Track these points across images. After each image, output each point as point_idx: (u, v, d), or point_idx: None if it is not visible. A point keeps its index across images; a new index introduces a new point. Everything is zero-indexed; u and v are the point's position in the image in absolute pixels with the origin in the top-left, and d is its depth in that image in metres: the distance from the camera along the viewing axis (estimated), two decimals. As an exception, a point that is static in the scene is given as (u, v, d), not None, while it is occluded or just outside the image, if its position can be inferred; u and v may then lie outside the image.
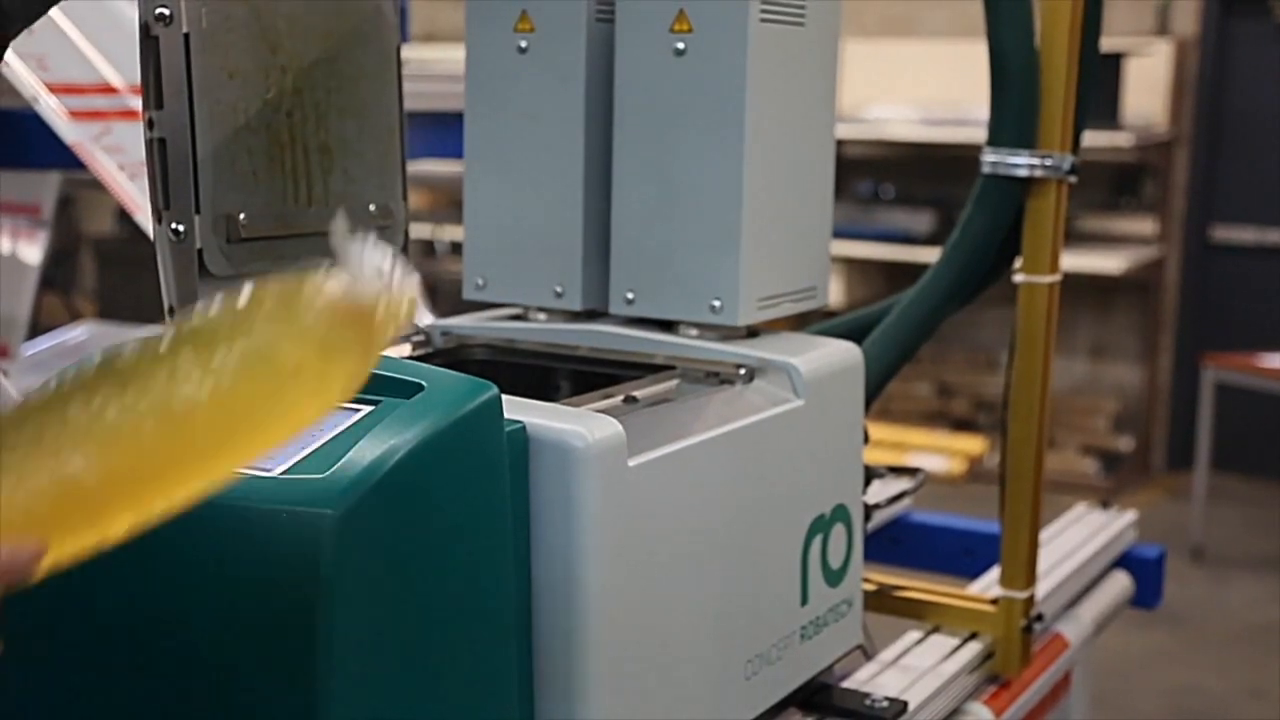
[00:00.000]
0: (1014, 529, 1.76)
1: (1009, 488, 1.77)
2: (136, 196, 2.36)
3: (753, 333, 1.55)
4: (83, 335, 3.54)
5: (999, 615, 1.77)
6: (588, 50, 1.53)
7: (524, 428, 1.17)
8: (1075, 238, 6.27)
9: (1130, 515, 2.33)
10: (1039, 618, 1.80)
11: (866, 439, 1.63)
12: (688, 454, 1.29)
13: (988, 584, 1.91)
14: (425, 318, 1.98)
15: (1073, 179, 1.72)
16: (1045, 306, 1.72)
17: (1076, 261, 5.66)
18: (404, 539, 1.02)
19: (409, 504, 1.02)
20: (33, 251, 3.63)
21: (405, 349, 1.55)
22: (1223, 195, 6.64)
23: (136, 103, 2.26)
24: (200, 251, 1.38)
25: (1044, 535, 1.93)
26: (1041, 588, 1.82)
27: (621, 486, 1.20)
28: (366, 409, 1.07)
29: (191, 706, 1.02)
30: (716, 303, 1.50)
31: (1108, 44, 1.87)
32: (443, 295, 6.59)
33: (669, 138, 1.50)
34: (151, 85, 1.36)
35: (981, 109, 1.76)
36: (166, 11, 1.33)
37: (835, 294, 6.21)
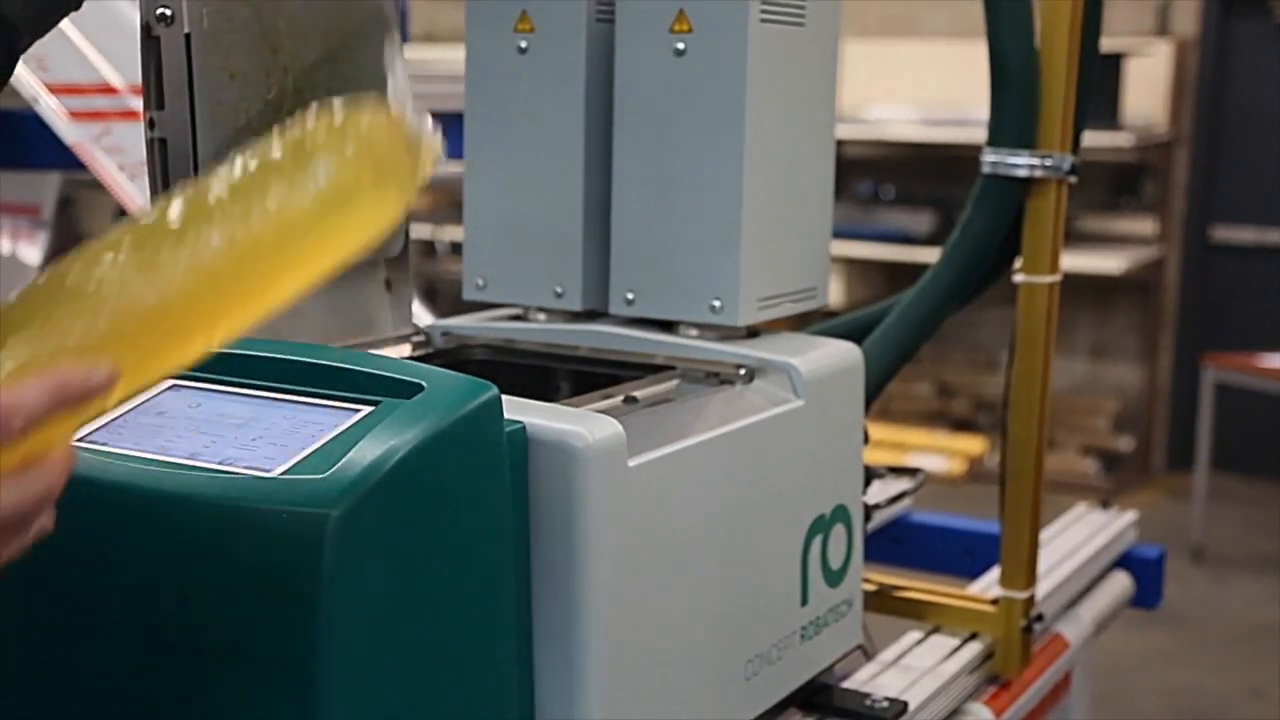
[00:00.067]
0: (1014, 529, 1.76)
1: (1009, 488, 1.77)
2: (136, 196, 2.36)
3: (753, 333, 1.55)
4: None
5: (999, 615, 1.77)
6: (588, 50, 1.53)
7: (524, 428, 1.17)
8: (1075, 238, 6.26)
9: (1130, 515, 2.33)
10: (1039, 618, 1.80)
11: (866, 439, 1.63)
12: (688, 454, 1.29)
13: (988, 584, 1.91)
14: (425, 318, 1.98)
15: (1073, 179, 1.72)
16: (1045, 307, 1.72)
17: (1076, 261, 5.65)
18: (404, 539, 1.02)
19: (409, 504, 1.02)
20: (33, 252, 3.64)
21: (405, 349, 1.55)
22: (1223, 195, 6.64)
23: (137, 103, 2.26)
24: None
25: (1044, 535, 1.93)
26: (1042, 588, 1.82)
27: (621, 487, 1.20)
28: (367, 409, 1.07)
29: (192, 706, 1.02)
30: (716, 303, 1.50)
31: (1108, 44, 1.87)
32: (443, 295, 6.59)
33: (669, 138, 1.50)
34: (152, 85, 1.36)
35: (981, 109, 1.76)
36: (168, 12, 1.33)
37: (835, 294, 6.20)
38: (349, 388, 1.10)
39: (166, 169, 1.36)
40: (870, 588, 1.76)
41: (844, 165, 5.69)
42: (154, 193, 1.37)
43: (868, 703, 1.54)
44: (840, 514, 1.54)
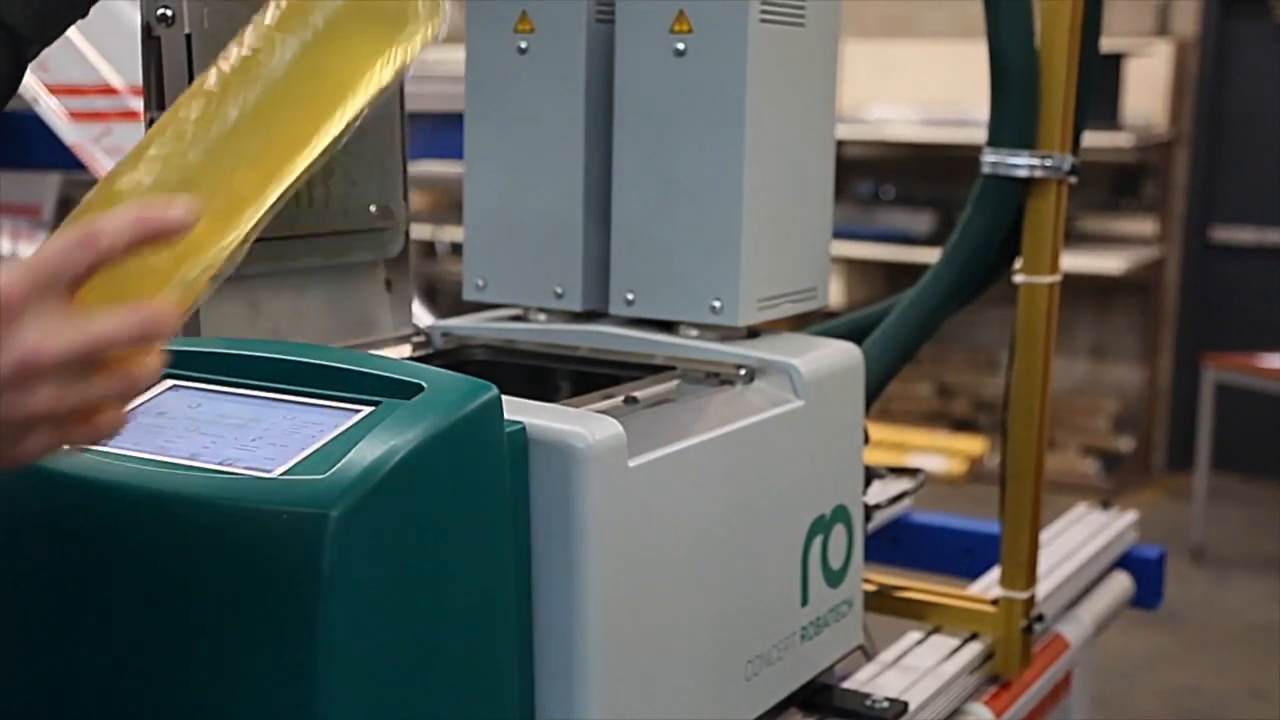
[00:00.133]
0: (1014, 529, 1.76)
1: (1009, 488, 1.77)
2: (137, 197, 2.35)
3: (753, 333, 1.55)
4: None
5: (999, 616, 1.77)
6: (588, 50, 1.53)
7: (524, 428, 1.17)
8: (1075, 238, 6.26)
9: (1130, 516, 2.33)
10: (1039, 618, 1.80)
11: (867, 439, 1.63)
12: (688, 455, 1.29)
13: (988, 584, 1.91)
14: (425, 318, 1.98)
15: (1073, 179, 1.72)
16: (1045, 307, 1.72)
17: (1076, 262, 5.65)
18: (404, 539, 1.02)
19: (409, 505, 1.02)
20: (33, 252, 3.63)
21: (405, 349, 1.55)
22: (1223, 195, 6.63)
23: (137, 103, 2.26)
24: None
25: (1044, 536, 1.93)
26: (1042, 588, 1.82)
27: (622, 487, 1.20)
28: (367, 410, 1.07)
29: (192, 706, 1.02)
30: (717, 303, 1.50)
31: (1108, 44, 1.87)
32: (443, 296, 6.59)
33: (669, 138, 1.50)
34: (153, 86, 1.36)
35: (981, 109, 1.76)
36: (168, 12, 1.33)
37: (835, 294, 6.20)
38: (349, 388, 1.10)
39: (166, 169, 1.36)
40: (870, 588, 1.76)
41: (844, 165, 5.69)
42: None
43: (868, 703, 1.54)
44: (840, 514, 1.54)
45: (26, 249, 3.66)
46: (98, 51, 2.54)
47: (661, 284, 1.53)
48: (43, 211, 3.68)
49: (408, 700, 1.03)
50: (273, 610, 0.98)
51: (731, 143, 1.47)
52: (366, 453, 1.01)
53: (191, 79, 1.33)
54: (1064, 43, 1.67)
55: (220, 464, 1.03)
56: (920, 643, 1.76)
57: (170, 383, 1.14)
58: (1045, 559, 1.90)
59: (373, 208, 1.58)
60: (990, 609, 1.78)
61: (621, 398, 1.35)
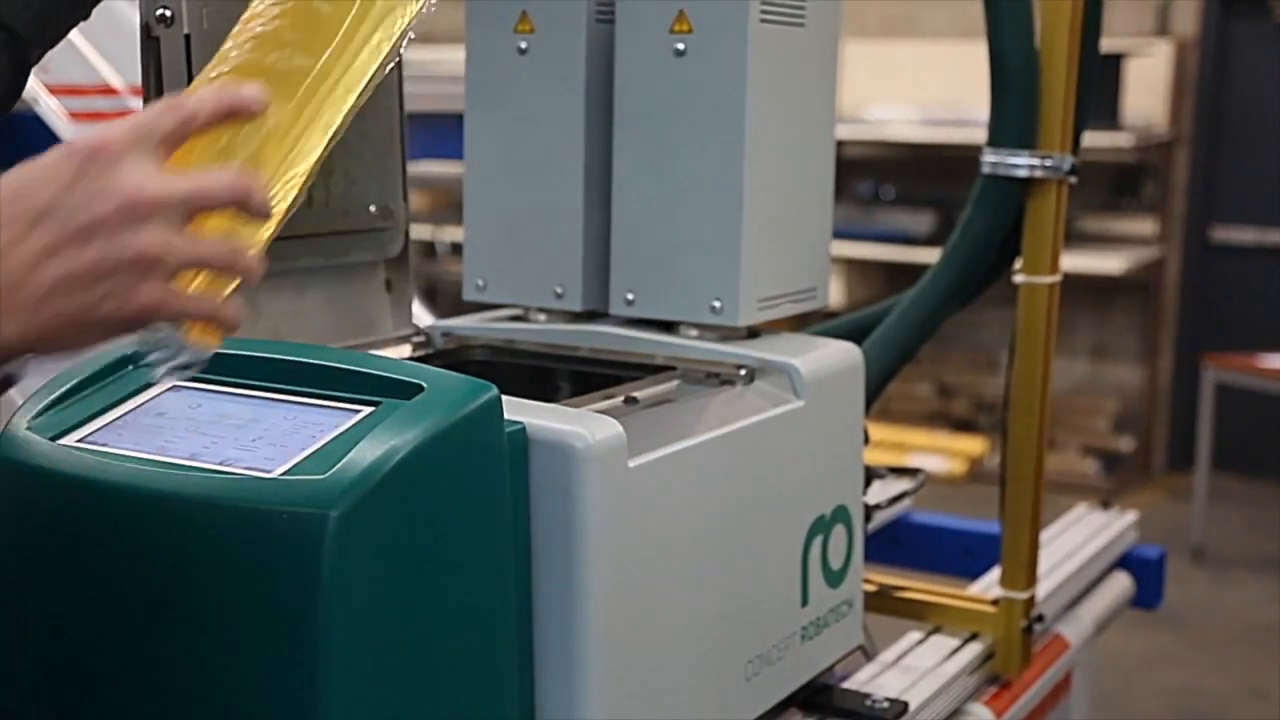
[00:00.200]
0: (1014, 529, 1.76)
1: (1009, 488, 1.77)
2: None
3: (753, 333, 1.55)
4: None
5: (999, 616, 1.77)
6: (588, 50, 1.53)
7: (524, 429, 1.17)
8: (1075, 238, 6.26)
9: (1131, 516, 2.33)
10: (1039, 618, 1.80)
11: (867, 439, 1.63)
12: (688, 455, 1.29)
13: (988, 584, 1.91)
14: (425, 319, 1.98)
15: (1073, 179, 1.72)
16: (1045, 307, 1.72)
17: (1077, 262, 5.65)
18: (404, 540, 1.02)
19: (409, 505, 1.02)
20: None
21: (405, 349, 1.55)
22: (1223, 195, 6.63)
23: (136, 104, 2.26)
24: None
25: (1044, 536, 1.93)
26: (1042, 588, 1.82)
27: (622, 487, 1.20)
28: (367, 410, 1.07)
29: (192, 706, 1.02)
30: (717, 303, 1.50)
31: (1108, 44, 1.87)
32: (443, 296, 6.59)
33: (669, 138, 1.50)
34: (152, 86, 1.36)
35: (981, 109, 1.76)
36: (168, 13, 1.33)
37: (835, 295, 6.19)
38: (349, 388, 1.10)
39: (166, 169, 1.36)
40: (871, 588, 1.76)
41: (844, 165, 5.69)
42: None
43: (868, 703, 1.54)
44: (840, 514, 1.54)
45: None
46: (98, 52, 2.54)
47: (661, 284, 1.53)
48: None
49: (408, 700, 1.03)
50: (273, 610, 0.98)
51: (731, 143, 1.47)
52: (366, 453, 1.01)
53: (191, 79, 1.33)
54: (1064, 43, 1.67)
55: (220, 464, 1.03)
56: (920, 643, 1.76)
57: (170, 382, 1.14)
58: (1045, 559, 1.90)
59: (372, 208, 1.58)
60: (990, 609, 1.78)
61: (621, 398, 1.35)
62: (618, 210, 1.54)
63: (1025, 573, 1.77)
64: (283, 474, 1.01)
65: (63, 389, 1.13)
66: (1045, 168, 1.70)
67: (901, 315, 1.83)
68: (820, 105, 1.61)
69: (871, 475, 1.75)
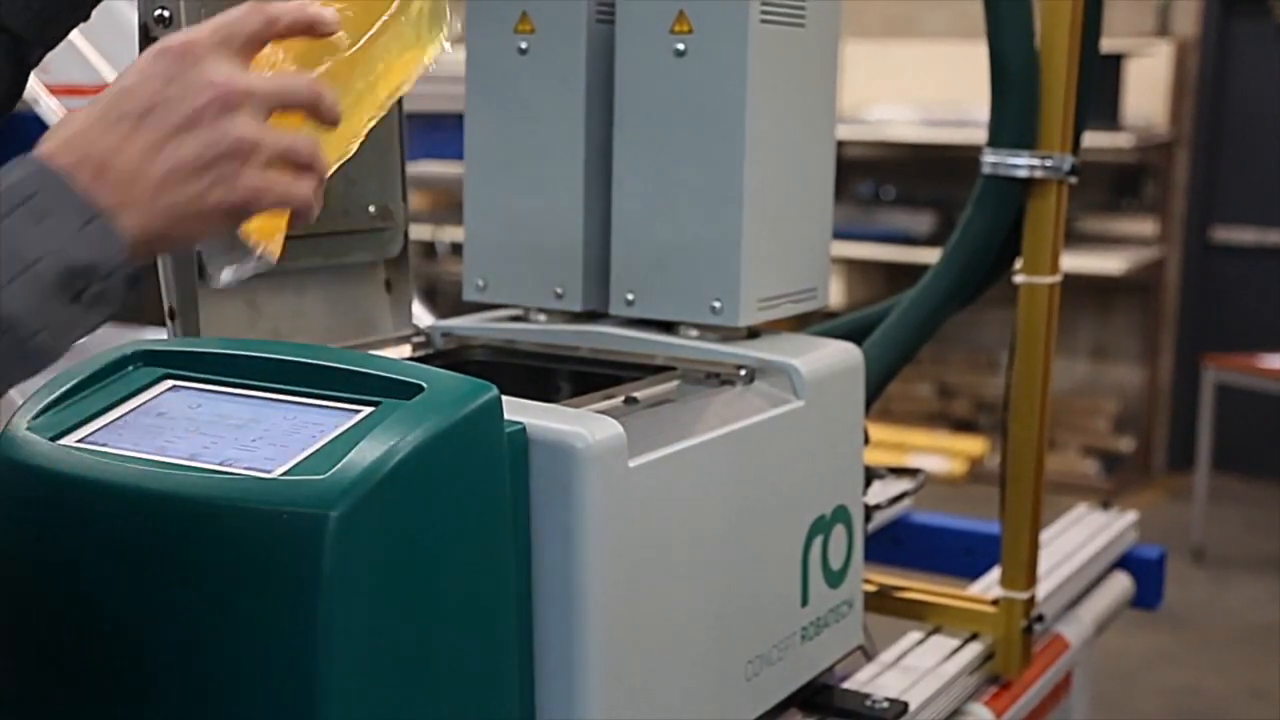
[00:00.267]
0: (1015, 530, 1.76)
1: (1009, 488, 1.77)
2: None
3: (753, 333, 1.55)
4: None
5: (999, 616, 1.77)
6: (588, 51, 1.53)
7: (524, 429, 1.17)
8: (1076, 238, 6.26)
9: (1131, 516, 2.33)
10: (1039, 618, 1.80)
11: (867, 440, 1.63)
12: (688, 455, 1.29)
13: (988, 585, 1.91)
14: (426, 319, 1.98)
15: (1073, 180, 1.72)
16: (1046, 307, 1.72)
17: (1077, 262, 5.65)
18: (404, 540, 1.02)
19: (409, 505, 1.02)
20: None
21: (405, 350, 1.55)
22: (1223, 196, 6.64)
23: (137, 104, 2.25)
24: (200, 254, 1.38)
25: (1044, 536, 1.93)
26: (1042, 588, 1.82)
27: (622, 487, 1.20)
28: (367, 410, 1.07)
29: (192, 706, 1.02)
30: (717, 303, 1.50)
31: (1108, 44, 1.87)
32: (443, 296, 6.59)
33: (669, 138, 1.50)
34: (152, 86, 1.36)
35: (982, 110, 1.76)
36: (166, 13, 1.33)
37: (835, 295, 6.20)
38: (349, 388, 1.10)
39: (166, 169, 1.36)
40: (871, 588, 1.76)
41: (844, 165, 5.68)
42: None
43: (868, 703, 1.54)
44: (841, 514, 1.54)
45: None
46: (98, 52, 2.54)
47: (661, 284, 1.53)
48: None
49: (408, 700, 1.03)
50: (273, 610, 0.98)
51: (731, 143, 1.47)
52: (367, 453, 1.01)
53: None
54: (1064, 43, 1.67)
55: (220, 464, 1.03)
56: (920, 643, 1.76)
57: (170, 383, 1.15)
58: (1045, 559, 1.90)
59: (372, 208, 1.58)
60: (990, 609, 1.78)
61: (622, 398, 1.35)
62: (618, 210, 1.54)
63: (1025, 573, 1.77)
64: (283, 474, 1.01)
65: (63, 389, 1.13)
66: (1045, 168, 1.70)
67: (902, 315, 1.83)
68: (820, 105, 1.61)
69: (871, 475, 1.75)
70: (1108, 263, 6.21)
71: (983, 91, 1.73)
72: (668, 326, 1.55)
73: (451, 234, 6.96)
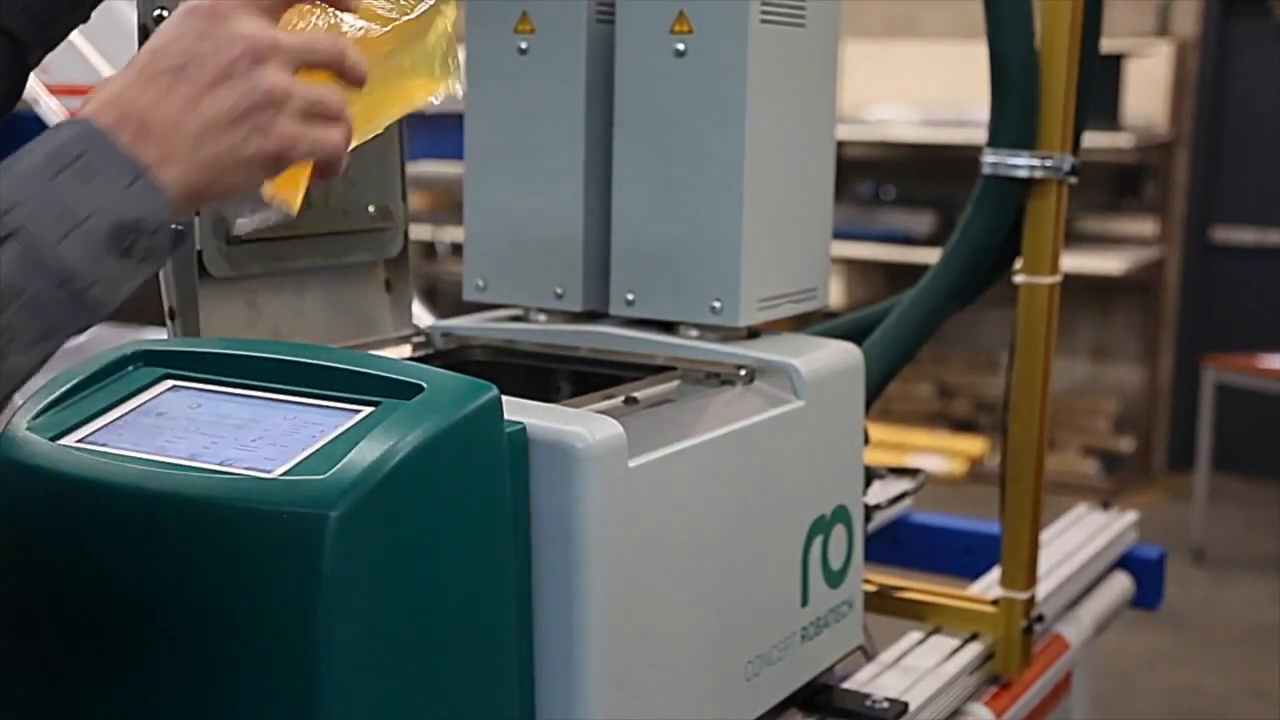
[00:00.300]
0: (1015, 530, 1.76)
1: (1010, 489, 1.77)
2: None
3: (753, 333, 1.55)
4: (83, 336, 3.53)
5: (1000, 616, 1.77)
6: (588, 51, 1.53)
7: (524, 429, 1.17)
8: (1076, 238, 6.26)
9: (1131, 516, 2.33)
10: (1039, 618, 1.80)
11: (867, 440, 1.63)
12: (688, 455, 1.29)
13: (988, 585, 1.91)
14: (426, 319, 1.98)
15: (1073, 180, 1.72)
16: (1046, 307, 1.72)
17: (1077, 262, 5.65)
18: (404, 540, 1.02)
19: (409, 505, 1.02)
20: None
21: (405, 350, 1.55)
22: (1223, 196, 6.63)
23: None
24: (200, 253, 1.38)
25: (1045, 536, 1.93)
26: (1042, 589, 1.82)
27: (622, 488, 1.20)
28: (367, 410, 1.07)
29: (192, 706, 1.02)
30: (717, 303, 1.50)
31: (1108, 44, 1.87)
32: (443, 296, 6.59)
33: (669, 138, 1.50)
34: (152, 86, 1.35)
35: (982, 110, 1.76)
36: (165, 13, 1.33)
37: (835, 295, 6.20)
38: (349, 388, 1.10)
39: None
40: (871, 588, 1.76)
41: (844, 165, 5.68)
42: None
43: (868, 703, 1.54)
44: (841, 514, 1.54)
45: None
46: (98, 52, 2.54)
47: (661, 284, 1.53)
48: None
49: (408, 700, 1.03)
50: (273, 610, 0.98)
51: (731, 143, 1.47)
52: (367, 453, 1.01)
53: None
54: (1064, 43, 1.67)
55: (220, 464, 1.03)
56: (920, 643, 1.76)
57: (170, 383, 1.14)
58: (1045, 559, 1.90)
59: (371, 208, 1.58)
60: (990, 609, 1.78)
61: (622, 398, 1.35)
62: (618, 210, 1.54)
63: (1025, 573, 1.77)
64: (283, 474, 1.01)
65: (63, 389, 1.13)
66: (1045, 168, 1.70)
67: (902, 315, 1.83)
68: (820, 105, 1.61)
69: (871, 475, 1.75)
70: (1108, 263, 6.21)
71: (983, 91, 1.73)
72: (668, 326, 1.55)
73: (451, 234, 6.96)
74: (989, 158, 1.73)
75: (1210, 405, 5.48)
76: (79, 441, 1.08)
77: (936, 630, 1.80)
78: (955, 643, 1.76)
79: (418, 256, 6.98)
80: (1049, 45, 1.68)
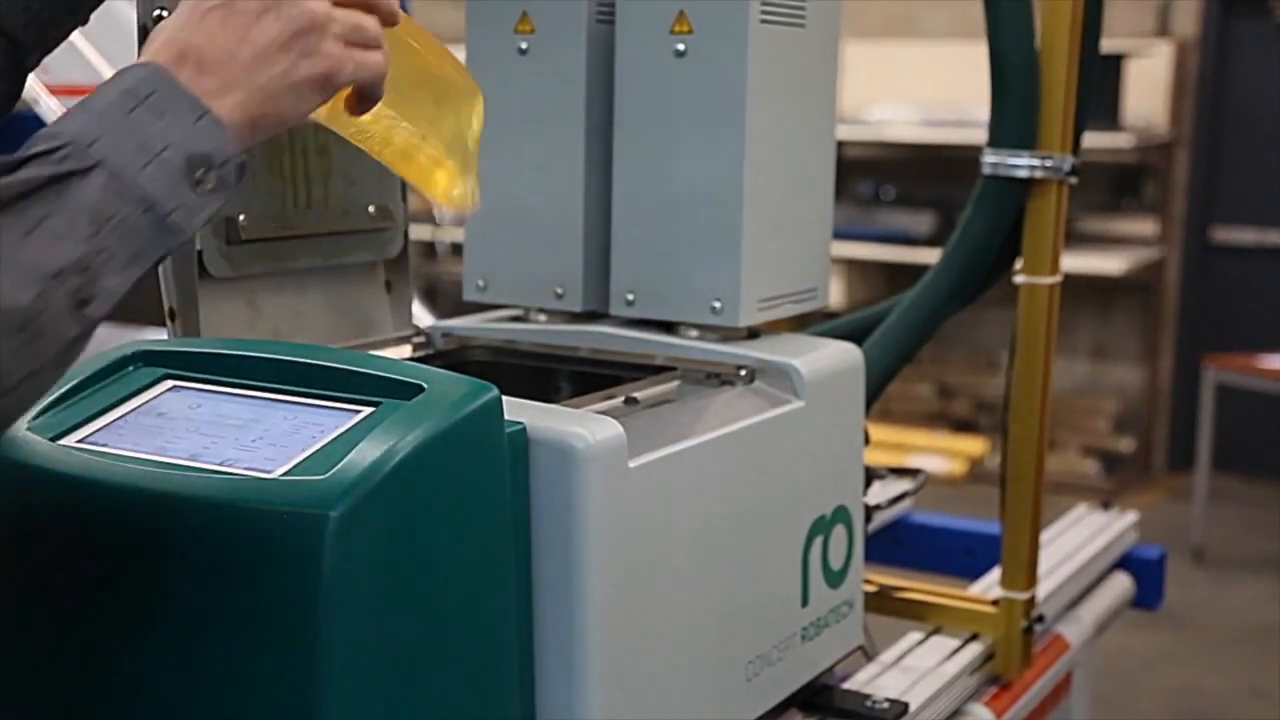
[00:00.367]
0: (1015, 530, 1.76)
1: (1010, 489, 1.77)
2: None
3: (753, 334, 1.55)
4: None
5: (1000, 616, 1.77)
6: (588, 51, 1.53)
7: (524, 429, 1.17)
8: (1076, 239, 6.26)
9: (1131, 516, 2.33)
10: (1040, 619, 1.80)
11: (867, 440, 1.63)
12: (688, 455, 1.29)
13: (989, 585, 1.91)
14: (426, 319, 1.98)
15: (1073, 180, 1.72)
16: (1046, 307, 1.72)
17: (1077, 262, 5.65)
18: (404, 540, 1.02)
19: (409, 505, 1.02)
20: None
21: (406, 350, 1.55)
22: (1223, 196, 6.63)
23: (137, 104, 2.25)
24: (200, 253, 1.38)
25: (1045, 536, 1.93)
26: (1042, 589, 1.82)
27: (622, 488, 1.20)
28: (367, 410, 1.07)
29: (192, 706, 1.02)
30: (717, 304, 1.50)
31: (1108, 44, 1.87)
32: (443, 296, 6.59)
33: (669, 138, 1.50)
34: (152, 86, 1.35)
35: (982, 110, 1.76)
36: (165, 14, 1.33)
37: (836, 295, 6.20)
38: (349, 389, 1.10)
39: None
40: (871, 588, 1.76)
41: (844, 166, 5.69)
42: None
43: (868, 704, 1.54)
44: (841, 515, 1.54)
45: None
46: (98, 52, 2.54)
47: (661, 284, 1.53)
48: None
49: (408, 700, 1.03)
50: (273, 610, 0.98)
51: (731, 143, 1.47)
52: (367, 453, 1.01)
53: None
54: (1064, 43, 1.67)
55: (220, 464, 1.03)
56: (921, 643, 1.76)
57: (170, 383, 1.14)
58: (1045, 559, 1.90)
59: (371, 208, 1.58)
60: (991, 609, 1.78)
61: (622, 398, 1.35)
62: (618, 210, 1.54)
63: (1025, 573, 1.77)
64: (283, 474, 1.01)
65: (63, 389, 1.13)
66: (1045, 168, 1.70)
67: (902, 316, 1.83)
68: (820, 105, 1.61)
69: (872, 475, 1.75)
70: (1108, 263, 6.21)
71: (983, 91, 1.73)
72: (668, 326, 1.55)
73: (452, 234, 6.96)
74: (989, 158, 1.73)
75: (1210, 405, 5.48)
76: (79, 442, 1.08)
77: (937, 630, 1.80)
78: (955, 643, 1.76)
79: (418, 256, 6.98)
80: (1049, 45, 1.68)
